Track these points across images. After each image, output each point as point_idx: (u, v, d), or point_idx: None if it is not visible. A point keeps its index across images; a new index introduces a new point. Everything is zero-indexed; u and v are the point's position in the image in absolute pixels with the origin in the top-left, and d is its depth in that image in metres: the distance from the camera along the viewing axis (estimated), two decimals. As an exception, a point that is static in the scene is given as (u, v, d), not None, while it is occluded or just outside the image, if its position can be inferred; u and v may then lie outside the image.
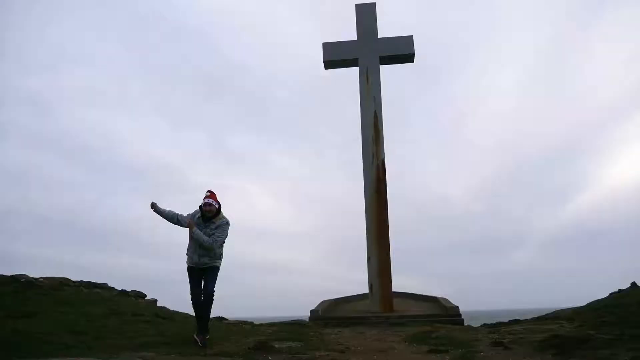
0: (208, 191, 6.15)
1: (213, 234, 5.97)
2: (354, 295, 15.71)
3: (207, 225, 6.02)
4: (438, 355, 5.34)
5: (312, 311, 11.87)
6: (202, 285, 6.01)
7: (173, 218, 6.15)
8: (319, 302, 13.51)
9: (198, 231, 5.93)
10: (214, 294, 6.00)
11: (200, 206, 6.13)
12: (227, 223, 6.11)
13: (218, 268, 6.08)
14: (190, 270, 6.04)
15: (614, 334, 5.19)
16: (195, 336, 5.92)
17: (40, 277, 10.65)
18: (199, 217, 6.06)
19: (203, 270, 6.01)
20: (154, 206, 6.16)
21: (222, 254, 6.14)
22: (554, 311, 11.10)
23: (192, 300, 6.04)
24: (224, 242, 6.10)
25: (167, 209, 6.21)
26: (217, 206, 6.10)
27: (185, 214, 6.16)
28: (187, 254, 6.11)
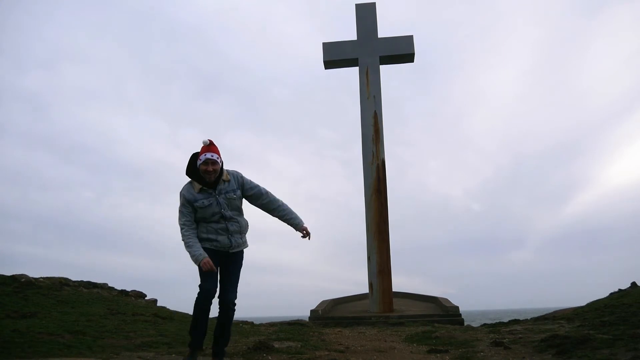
0: (206, 141, 3.82)
1: (252, 195, 3.99)
2: (354, 295, 15.77)
3: (221, 191, 3.85)
4: (438, 355, 5.33)
5: (312, 311, 11.90)
6: (219, 285, 3.91)
7: (194, 237, 3.85)
8: (319, 302, 13.57)
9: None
10: (235, 304, 3.94)
11: (194, 168, 3.86)
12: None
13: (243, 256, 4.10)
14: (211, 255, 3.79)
15: (614, 334, 5.18)
16: None
17: (40, 277, 10.68)
18: (192, 186, 3.88)
19: (226, 257, 3.93)
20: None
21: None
22: (554, 311, 11.11)
23: (200, 302, 3.79)
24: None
25: (192, 244, 3.77)
26: (220, 162, 3.87)
27: (184, 219, 3.84)
28: (205, 236, 3.87)
